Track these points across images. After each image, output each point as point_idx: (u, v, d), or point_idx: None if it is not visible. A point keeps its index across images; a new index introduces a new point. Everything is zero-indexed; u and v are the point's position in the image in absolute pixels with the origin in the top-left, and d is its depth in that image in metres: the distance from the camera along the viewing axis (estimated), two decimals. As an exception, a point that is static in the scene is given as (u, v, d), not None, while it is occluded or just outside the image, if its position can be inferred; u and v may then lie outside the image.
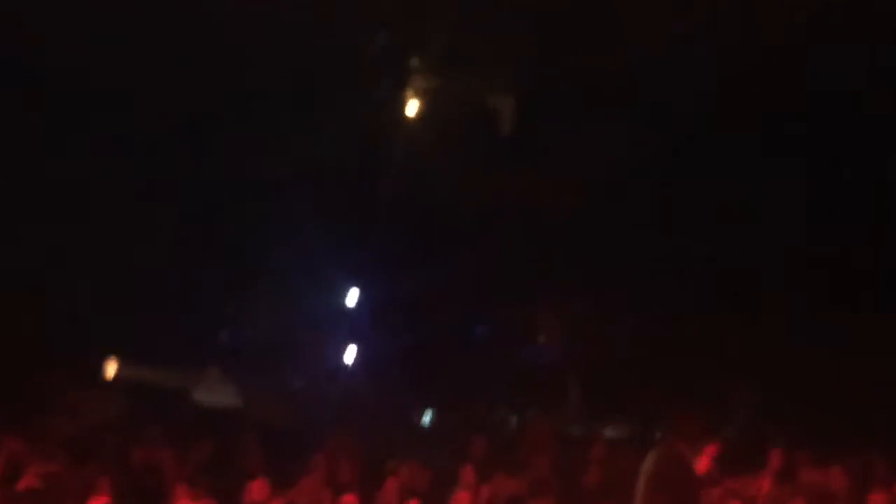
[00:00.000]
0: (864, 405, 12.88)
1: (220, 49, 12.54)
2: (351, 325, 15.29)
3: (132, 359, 14.95)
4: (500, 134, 14.06)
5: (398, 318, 15.22)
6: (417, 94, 13.66)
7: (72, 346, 13.85)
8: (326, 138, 13.54)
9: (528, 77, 13.65)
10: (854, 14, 11.90)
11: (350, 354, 15.40)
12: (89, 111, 13.05)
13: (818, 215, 13.85)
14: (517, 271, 14.72)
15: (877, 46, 12.36)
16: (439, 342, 15.19)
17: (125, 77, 12.59)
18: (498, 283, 14.95)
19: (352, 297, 15.23)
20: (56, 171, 13.06)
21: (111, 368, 14.91)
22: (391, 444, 13.32)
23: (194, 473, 11.57)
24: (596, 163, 13.67)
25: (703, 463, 8.39)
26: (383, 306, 15.19)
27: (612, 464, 11.99)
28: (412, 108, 13.54)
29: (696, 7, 12.18)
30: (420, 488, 11.66)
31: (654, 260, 14.33)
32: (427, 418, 16.01)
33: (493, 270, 14.58)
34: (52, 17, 11.83)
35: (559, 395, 15.77)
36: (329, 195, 14.13)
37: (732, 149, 13.84)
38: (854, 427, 12.56)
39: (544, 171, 14.07)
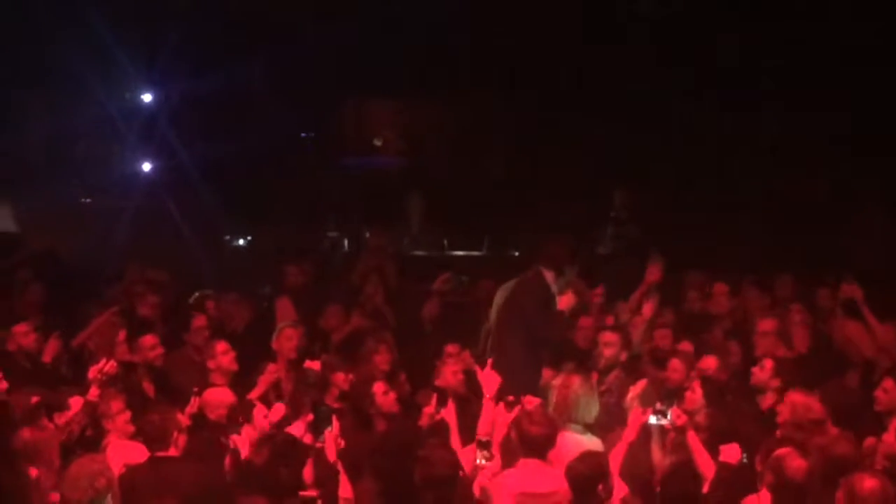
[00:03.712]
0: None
1: None
2: (147, 128, 14.14)
3: None
4: None
5: (204, 119, 14.01)
6: None
7: None
8: None
9: None
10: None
11: (147, 164, 14.34)
12: None
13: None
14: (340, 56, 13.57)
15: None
16: (252, 149, 13.85)
17: None
18: (321, 72, 13.82)
19: (147, 96, 14.34)
20: None
21: None
22: (200, 271, 12.60)
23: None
24: None
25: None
26: (185, 106, 14.04)
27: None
28: None
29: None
30: (236, 324, 10.63)
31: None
32: (243, 241, 15.16)
33: (316, 57, 13.43)
34: None
35: (399, 211, 14.84)
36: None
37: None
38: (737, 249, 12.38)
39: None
